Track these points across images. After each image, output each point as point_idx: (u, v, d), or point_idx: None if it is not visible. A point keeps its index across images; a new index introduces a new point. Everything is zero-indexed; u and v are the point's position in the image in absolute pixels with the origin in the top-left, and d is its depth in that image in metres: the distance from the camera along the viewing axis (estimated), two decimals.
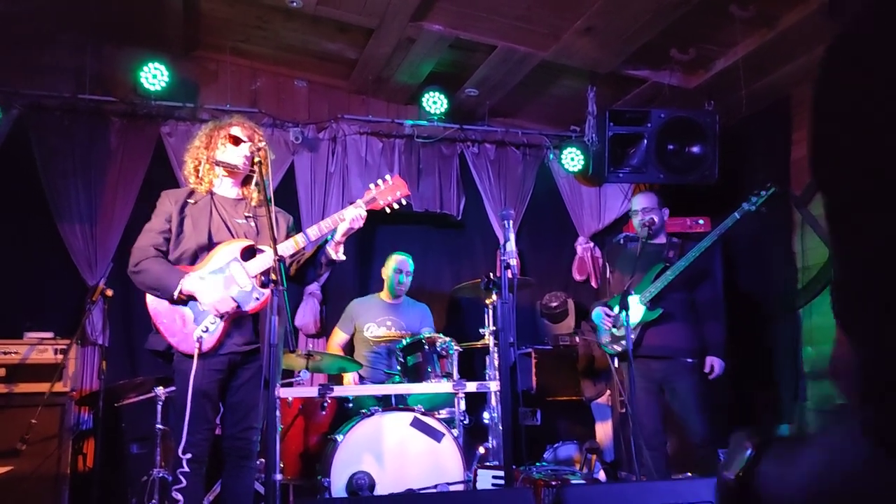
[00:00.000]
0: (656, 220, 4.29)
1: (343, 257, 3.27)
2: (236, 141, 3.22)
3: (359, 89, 5.74)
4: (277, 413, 3.31)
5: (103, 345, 4.60)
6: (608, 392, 5.44)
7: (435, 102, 5.58)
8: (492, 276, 3.26)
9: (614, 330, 4.20)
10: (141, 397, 4.24)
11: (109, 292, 4.29)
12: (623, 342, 4.14)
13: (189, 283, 3.01)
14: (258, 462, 3.38)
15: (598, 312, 4.32)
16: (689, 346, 4.13)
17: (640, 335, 4.14)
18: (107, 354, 4.47)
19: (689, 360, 4.11)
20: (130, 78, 5.06)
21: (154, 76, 5.03)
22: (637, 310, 4.12)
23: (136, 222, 4.85)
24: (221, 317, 3.03)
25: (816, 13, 4.19)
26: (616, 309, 4.15)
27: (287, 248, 3.14)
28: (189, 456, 2.90)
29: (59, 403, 4.22)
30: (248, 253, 3.14)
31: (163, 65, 5.05)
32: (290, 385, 4.47)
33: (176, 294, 3.00)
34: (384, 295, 5.17)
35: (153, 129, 5.25)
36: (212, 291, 3.01)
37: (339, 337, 5.11)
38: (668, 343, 4.11)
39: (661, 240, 4.36)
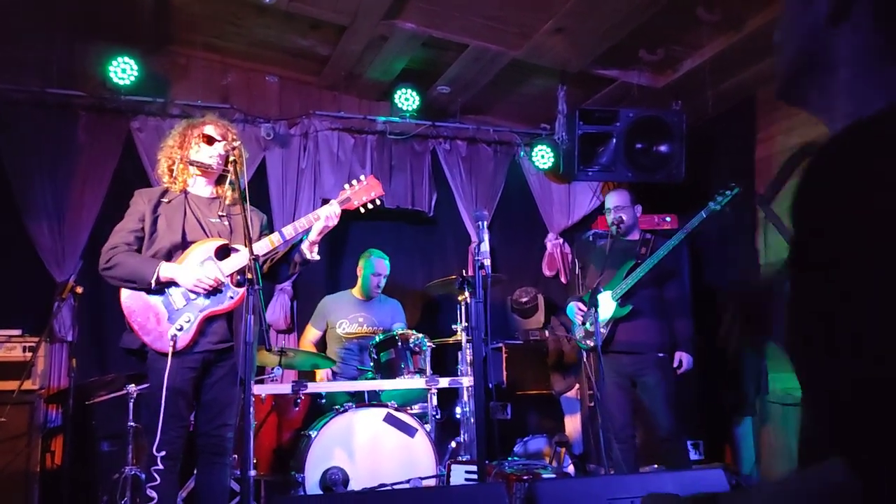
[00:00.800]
0: (625, 218, 4.37)
1: (317, 257, 3.30)
2: (210, 140, 3.22)
3: (331, 85, 5.74)
4: (252, 410, 3.33)
5: (72, 342, 4.57)
6: (577, 386, 5.53)
7: (407, 99, 5.61)
8: (466, 275, 3.30)
9: (587, 325, 4.28)
10: (112, 395, 4.21)
11: (79, 289, 4.25)
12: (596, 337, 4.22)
13: (166, 268, 3.02)
14: (232, 458, 3.39)
15: (571, 307, 4.40)
16: (659, 341, 4.23)
17: (611, 331, 4.23)
18: (76, 352, 4.43)
19: (660, 354, 4.22)
20: (100, 72, 5.00)
21: (124, 70, 4.98)
22: (609, 306, 4.20)
23: (106, 218, 4.85)
24: (204, 295, 3.03)
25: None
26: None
27: (262, 247, 3.15)
28: (163, 453, 2.90)
29: (27, 401, 4.18)
30: (223, 252, 3.15)
31: (133, 59, 5.00)
32: (262, 382, 4.49)
33: (153, 281, 2.99)
34: (356, 292, 5.19)
35: (123, 125, 5.19)
36: (190, 271, 3.03)
37: (311, 334, 5.12)
38: (639, 338, 4.21)
39: (634, 236, 4.44)
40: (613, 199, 4.47)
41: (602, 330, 4.21)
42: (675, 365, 4.21)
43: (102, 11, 4.82)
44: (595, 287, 4.05)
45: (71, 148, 5.04)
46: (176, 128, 3.31)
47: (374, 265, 5.10)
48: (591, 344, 4.29)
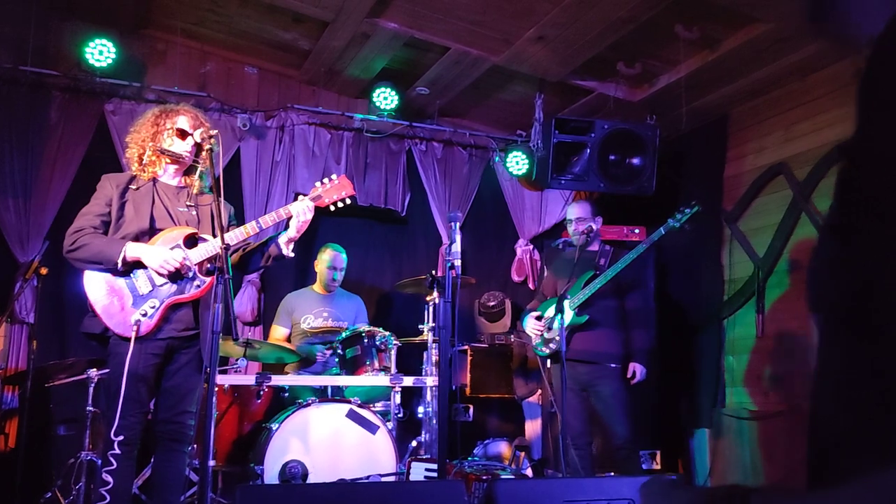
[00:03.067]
0: (594, 227, 4.43)
1: (292, 254, 3.30)
2: (183, 135, 3.19)
3: (310, 80, 5.73)
4: (213, 399, 3.32)
5: (33, 324, 4.50)
6: (539, 391, 5.58)
7: (386, 98, 5.62)
8: (435, 275, 3.33)
9: (545, 332, 4.33)
10: (72, 378, 4.16)
11: (44, 270, 4.19)
12: (553, 344, 4.27)
13: (133, 247, 2.99)
14: (191, 448, 3.38)
15: (525, 320, 4.44)
16: (614, 351, 4.28)
17: (567, 339, 4.27)
18: (37, 334, 4.37)
19: (613, 364, 4.26)
20: (75, 52, 4.93)
21: (100, 52, 4.92)
22: (566, 314, 4.25)
23: (74, 199, 4.78)
24: (170, 282, 3.02)
25: (755, 39, 4.40)
26: (548, 313, 4.28)
27: (234, 236, 3.15)
28: (121, 438, 2.88)
29: None
30: (191, 242, 3.13)
31: (110, 41, 4.94)
32: (225, 372, 4.47)
33: (120, 260, 2.95)
34: (318, 287, 5.18)
35: (96, 107, 5.13)
36: (157, 251, 3.00)
37: (278, 333, 5.06)
38: (594, 348, 4.26)
39: (595, 247, 4.50)
40: (576, 211, 4.54)
41: (557, 338, 4.25)
42: (629, 375, 4.26)
43: None
44: (562, 294, 4.09)
45: (42, 127, 4.97)
46: (148, 115, 3.25)
47: (331, 258, 5.10)
48: (548, 350, 4.34)
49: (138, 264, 3.03)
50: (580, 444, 4.25)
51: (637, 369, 4.26)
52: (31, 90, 4.95)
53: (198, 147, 3.16)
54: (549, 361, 4.48)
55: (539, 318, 4.39)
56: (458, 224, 3.21)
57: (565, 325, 4.23)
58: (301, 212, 3.25)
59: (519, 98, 5.72)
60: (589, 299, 4.23)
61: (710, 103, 5.32)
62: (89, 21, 4.98)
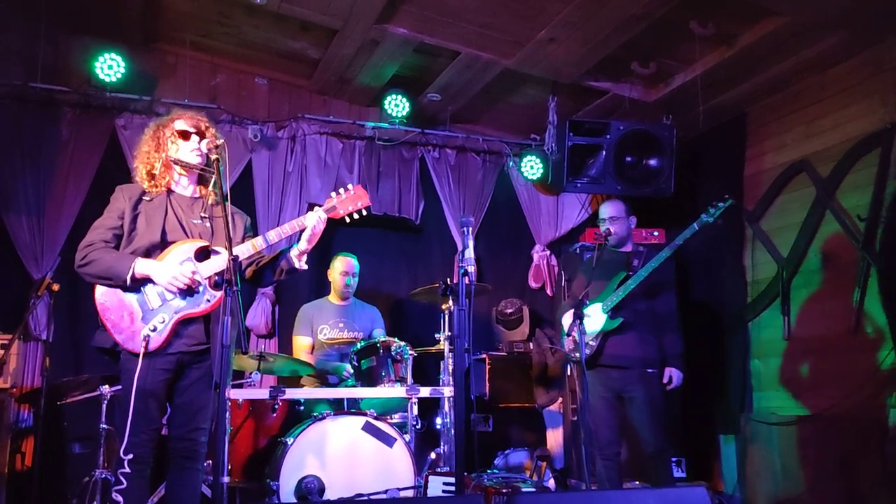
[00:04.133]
0: (615, 229, 4.30)
1: (305, 266, 3.23)
2: (185, 135, 3.14)
3: (321, 89, 5.70)
4: (227, 415, 3.26)
5: (47, 340, 4.47)
6: (560, 399, 5.47)
7: (397, 105, 5.57)
8: (449, 282, 3.25)
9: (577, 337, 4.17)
10: (85, 395, 4.12)
11: (56, 286, 4.15)
12: (586, 350, 4.13)
13: (142, 264, 2.94)
14: (205, 464, 3.31)
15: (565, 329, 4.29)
16: (650, 356, 4.11)
17: (601, 344, 4.13)
18: (50, 351, 4.33)
19: (649, 370, 4.10)
20: (85, 68, 4.94)
21: (110, 67, 4.92)
22: (599, 318, 4.12)
23: (87, 215, 4.76)
24: (181, 296, 2.96)
25: (773, 33, 4.30)
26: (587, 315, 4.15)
27: (244, 250, 3.09)
28: (130, 456, 2.82)
29: None
30: (203, 254, 3.07)
31: (119, 56, 4.94)
32: (240, 386, 4.41)
33: (129, 277, 2.90)
34: (333, 298, 5.12)
35: (107, 122, 5.12)
36: (167, 268, 2.95)
37: (303, 342, 4.96)
38: (629, 353, 4.10)
39: (628, 248, 4.36)
40: (607, 210, 4.38)
41: (591, 343, 4.12)
42: (665, 381, 4.11)
43: (89, 6, 4.76)
44: (580, 300, 3.98)
45: (54, 144, 4.97)
46: (146, 132, 3.20)
47: (343, 264, 5.04)
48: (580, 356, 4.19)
49: (149, 280, 2.98)
50: (609, 454, 4.09)
51: (674, 374, 4.11)
52: (42, 107, 4.95)
53: (208, 155, 3.10)
54: (573, 368, 4.35)
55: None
56: (470, 229, 3.13)
57: (598, 330, 4.10)
58: (315, 223, 3.18)
59: (532, 101, 5.64)
60: (622, 302, 4.09)
61: (727, 101, 5.22)
62: (98, 36, 4.98)
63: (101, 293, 2.99)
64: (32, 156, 4.89)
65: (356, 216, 3.35)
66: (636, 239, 5.29)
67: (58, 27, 4.94)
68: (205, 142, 3.11)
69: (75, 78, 5.01)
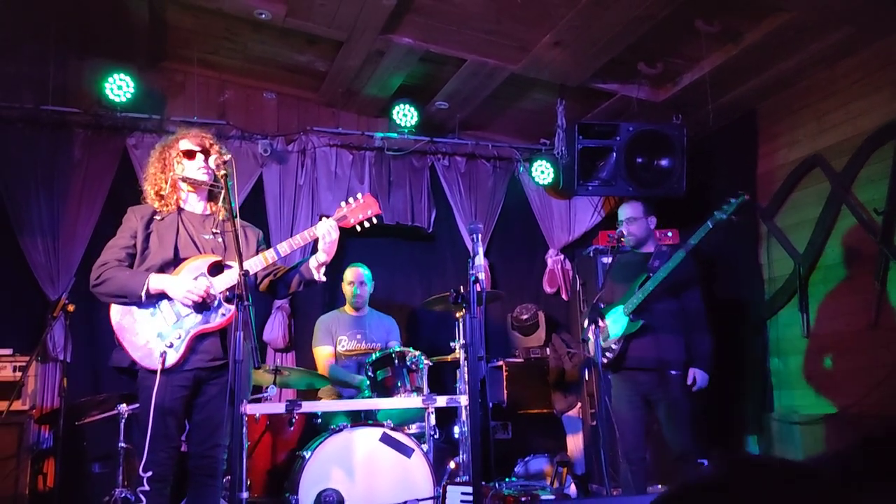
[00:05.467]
0: (634, 230, 4.23)
1: (324, 278, 3.23)
2: (190, 154, 3.16)
3: (329, 102, 5.71)
4: (244, 430, 3.26)
5: (65, 361, 4.50)
6: (579, 404, 5.43)
7: (405, 115, 5.57)
8: (461, 290, 3.23)
9: (602, 341, 4.10)
10: (104, 415, 4.14)
11: (71, 307, 4.18)
12: (608, 354, 4.08)
13: (156, 279, 2.96)
14: (224, 480, 3.31)
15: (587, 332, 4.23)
16: (676, 357, 4.03)
17: (624, 347, 4.04)
18: (68, 371, 4.36)
19: (675, 371, 4.02)
20: (95, 89, 4.98)
21: (119, 87, 4.96)
22: (620, 321, 4.06)
23: (101, 235, 4.76)
24: (195, 312, 2.97)
25: (779, 29, 4.26)
26: (606, 319, 4.09)
27: (256, 263, 3.09)
28: (150, 474, 2.82)
29: (17, 422, 4.12)
30: (216, 269, 3.08)
31: (128, 76, 4.98)
32: (257, 401, 4.40)
33: (143, 293, 2.92)
34: (348, 309, 5.10)
35: (119, 142, 5.17)
36: (181, 282, 2.96)
37: (325, 352, 4.91)
38: (655, 354, 4.02)
39: (649, 248, 4.26)
40: (625, 211, 4.30)
41: (614, 346, 4.07)
42: (689, 382, 4.01)
43: (97, 28, 4.81)
44: (595, 303, 3.94)
45: (66, 165, 5.02)
46: (153, 153, 3.24)
47: (352, 274, 5.03)
48: (605, 360, 4.11)
49: (163, 296, 2.99)
50: (634, 458, 4.00)
51: (697, 375, 4.00)
52: (54, 129, 5.00)
53: (215, 171, 3.12)
54: (592, 372, 4.30)
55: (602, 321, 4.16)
56: (479, 235, 3.12)
57: (620, 333, 4.04)
58: (326, 232, 3.18)
59: (540, 106, 5.63)
60: (645, 304, 4.01)
61: (736, 99, 5.18)
62: (107, 57, 5.03)
63: (117, 312, 3.01)
64: (46, 178, 4.94)
65: (367, 224, 3.34)
66: None
67: (67, 50, 4.99)
68: (212, 158, 3.13)
69: (86, 99, 5.06)
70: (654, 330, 4.04)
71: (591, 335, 4.00)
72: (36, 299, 4.84)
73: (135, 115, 5.14)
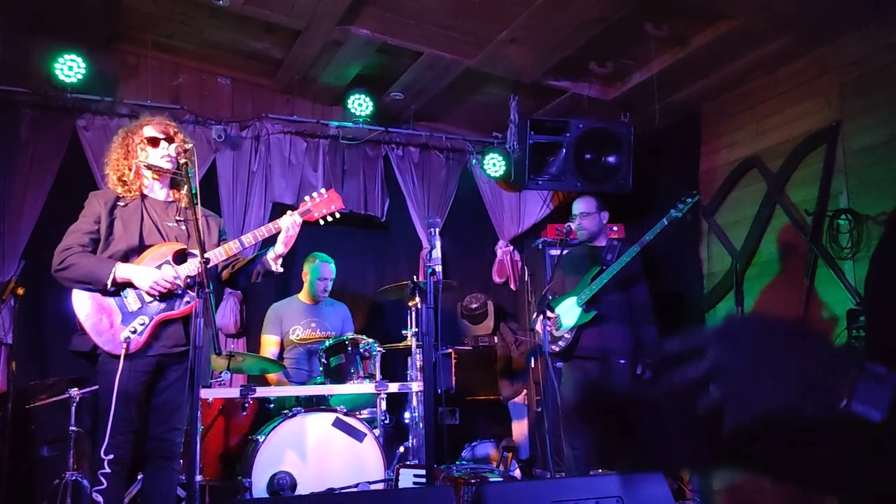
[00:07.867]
0: (574, 226, 4.43)
1: (281, 269, 3.31)
2: (154, 142, 3.18)
3: (284, 89, 5.72)
4: (199, 414, 3.31)
5: (11, 344, 4.44)
6: (524, 391, 5.60)
7: (360, 104, 5.61)
8: (417, 281, 3.34)
9: (553, 331, 4.31)
10: (53, 399, 4.12)
11: (21, 290, 4.14)
12: (560, 343, 4.27)
13: (123, 269, 2.98)
14: (179, 463, 3.36)
15: (535, 322, 4.41)
16: (622, 347, 4.27)
17: (576, 336, 4.27)
18: (15, 354, 4.31)
19: (621, 360, 4.25)
20: (45, 68, 4.88)
21: (70, 68, 4.87)
22: (573, 312, 4.25)
23: (49, 217, 4.75)
24: (159, 298, 3.00)
25: (724, 35, 4.46)
26: (558, 310, 4.28)
27: (219, 253, 3.14)
28: (111, 457, 2.86)
29: None
30: (180, 257, 3.12)
31: (80, 56, 4.89)
32: (210, 386, 4.44)
33: (110, 281, 2.94)
34: (304, 297, 5.14)
35: (68, 123, 5.08)
36: (148, 273, 2.99)
37: (271, 341, 4.99)
38: (602, 344, 4.26)
39: (601, 242, 4.50)
40: (578, 206, 4.52)
41: (566, 335, 4.26)
42: (639, 372, 4.25)
43: (49, 7, 4.72)
44: (544, 294, 4.10)
45: (13, 145, 4.92)
46: (115, 139, 3.25)
47: (320, 270, 5.07)
48: (556, 349, 4.32)
49: (128, 283, 3.01)
50: (577, 444, 4.22)
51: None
52: (1, 108, 4.89)
53: (177, 160, 3.15)
54: (559, 361, 4.44)
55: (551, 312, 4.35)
56: (437, 230, 3.23)
57: (574, 323, 4.22)
58: (290, 226, 3.25)
59: (494, 100, 5.74)
60: (596, 295, 4.22)
61: (682, 100, 5.38)
62: (58, 37, 4.93)
63: (79, 297, 3.02)
64: None
65: (330, 219, 3.43)
66: None
67: (16, 27, 4.88)
68: (173, 146, 3.15)
69: (35, 79, 4.96)
70: (604, 320, 4.27)
71: (538, 325, 4.17)
72: None
73: (85, 97, 5.05)
